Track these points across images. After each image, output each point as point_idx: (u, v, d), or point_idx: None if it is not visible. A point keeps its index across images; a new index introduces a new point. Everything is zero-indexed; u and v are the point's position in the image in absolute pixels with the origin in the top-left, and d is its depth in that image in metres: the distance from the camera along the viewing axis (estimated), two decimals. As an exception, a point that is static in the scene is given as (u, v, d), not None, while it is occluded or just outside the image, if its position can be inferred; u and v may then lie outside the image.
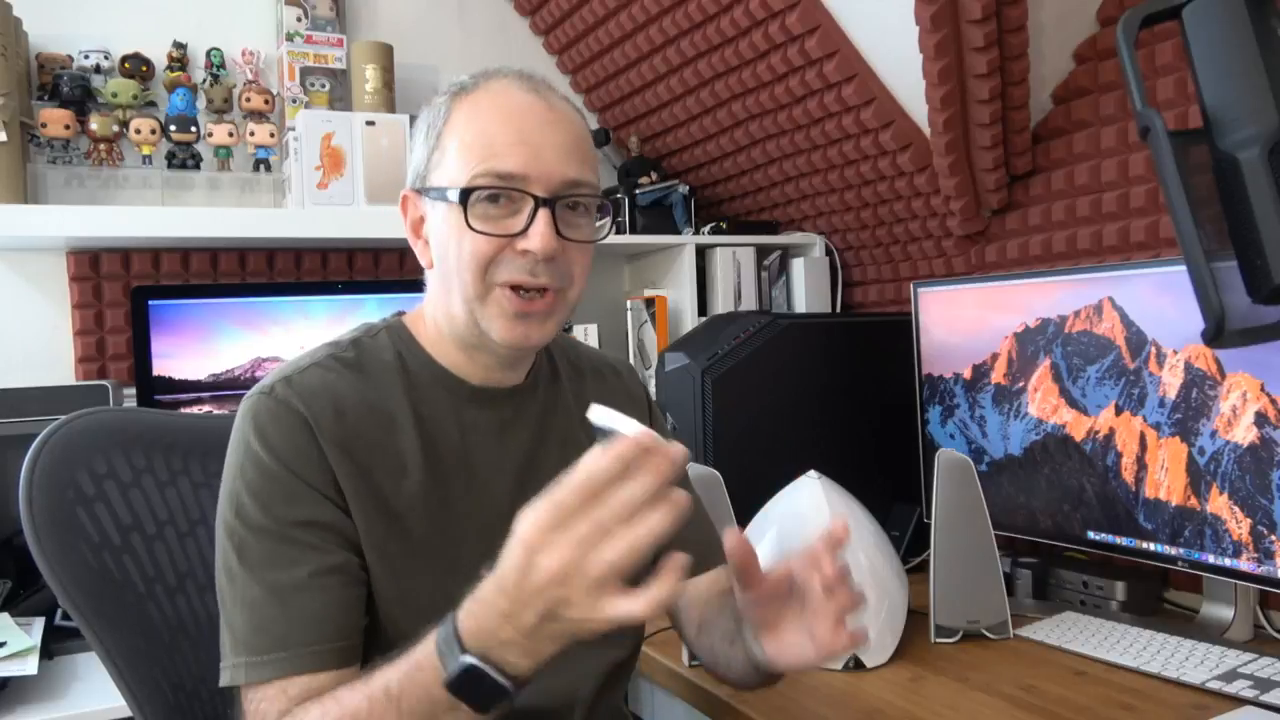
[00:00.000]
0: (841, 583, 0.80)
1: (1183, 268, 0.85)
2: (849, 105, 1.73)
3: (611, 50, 2.12)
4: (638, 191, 2.13)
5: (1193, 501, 1.29)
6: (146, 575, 0.97)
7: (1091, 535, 1.42)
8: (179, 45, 1.92)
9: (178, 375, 1.73)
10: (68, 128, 1.77)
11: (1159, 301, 1.32)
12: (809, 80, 1.75)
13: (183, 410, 1.69)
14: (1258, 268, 0.80)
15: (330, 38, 1.99)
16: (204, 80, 1.94)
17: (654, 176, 2.18)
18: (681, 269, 2.13)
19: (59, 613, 1.41)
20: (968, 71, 1.48)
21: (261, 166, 1.95)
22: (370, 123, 1.86)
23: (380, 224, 1.82)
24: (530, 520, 0.65)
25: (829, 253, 2.19)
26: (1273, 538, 1.20)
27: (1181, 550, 1.31)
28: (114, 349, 1.85)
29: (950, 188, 1.67)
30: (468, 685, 0.67)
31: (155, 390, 1.71)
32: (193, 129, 1.88)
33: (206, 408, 1.74)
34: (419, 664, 0.69)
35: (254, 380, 0.89)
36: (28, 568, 1.34)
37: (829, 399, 1.72)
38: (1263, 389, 1.21)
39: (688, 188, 2.18)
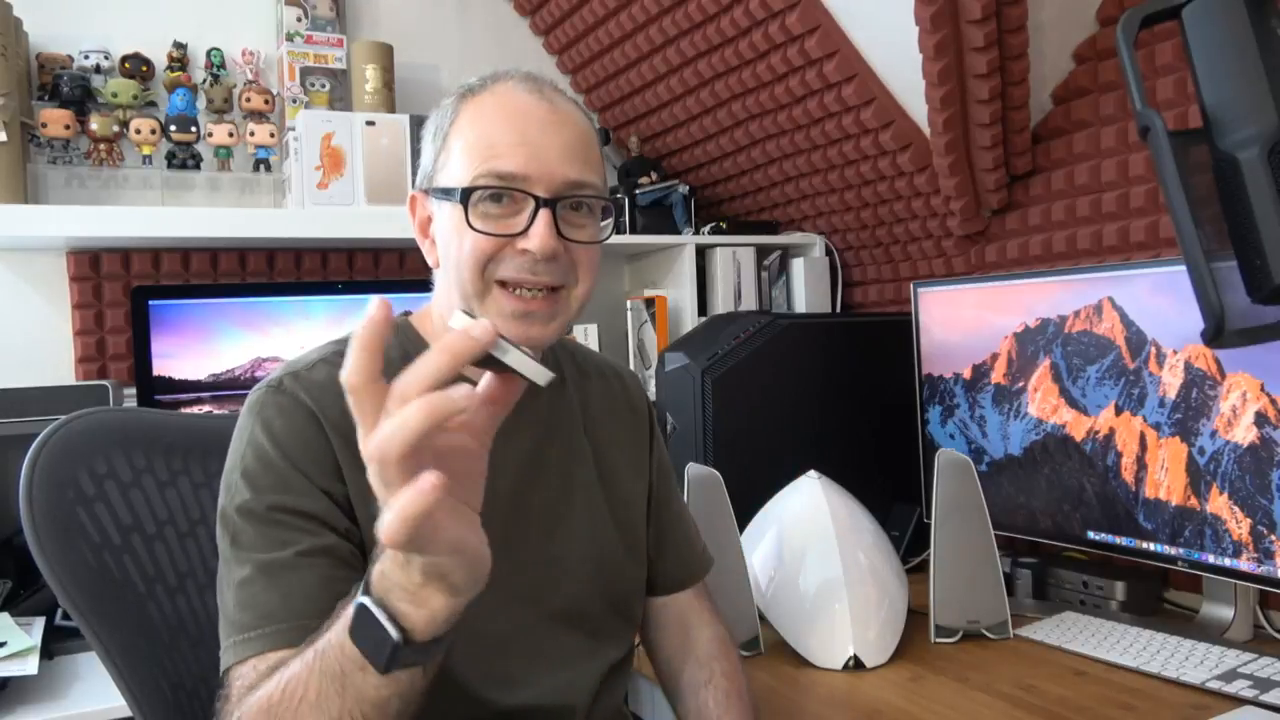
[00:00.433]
0: None
1: (1182, 268, 0.85)
2: (849, 105, 1.73)
3: (611, 50, 2.12)
4: (638, 191, 2.13)
5: (1193, 501, 1.29)
6: (146, 575, 0.97)
7: (1091, 535, 1.42)
8: (179, 45, 1.92)
9: (178, 375, 1.73)
10: (68, 128, 1.77)
11: (1159, 301, 1.32)
12: (809, 80, 1.75)
13: (183, 410, 1.69)
14: (1257, 268, 0.80)
15: (330, 38, 1.99)
16: (204, 80, 1.94)
17: (654, 176, 2.18)
18: (681, 269, 2.13)
19: (59, 613, 1.41)
20: (968, 71, 1.48)
21: (261, 166, 1.95)
22: (370, 123, 1.86)
23: (380, 224, 1.82)
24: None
25: (829, 253, 2.19)
26: (1272, 538, 1.20)
27: (1181, 550, 1.31)
28: (114, 349, 1.85)
29: (950, 188, 1.67)
30: (360, 630, 0.64)
31: (155, 390, 1.71)
32: (193, 129, 1.88)
33: (206, 408, 1.74)
34: (341, 616, 0.67)
35: (254, 380, 0.90)
36: (28, 568, 1.34)
37: (829, 399, 1.72)
38: (1263, 389, 1.21)
39: (688, 188, 2.18)
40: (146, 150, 1.86)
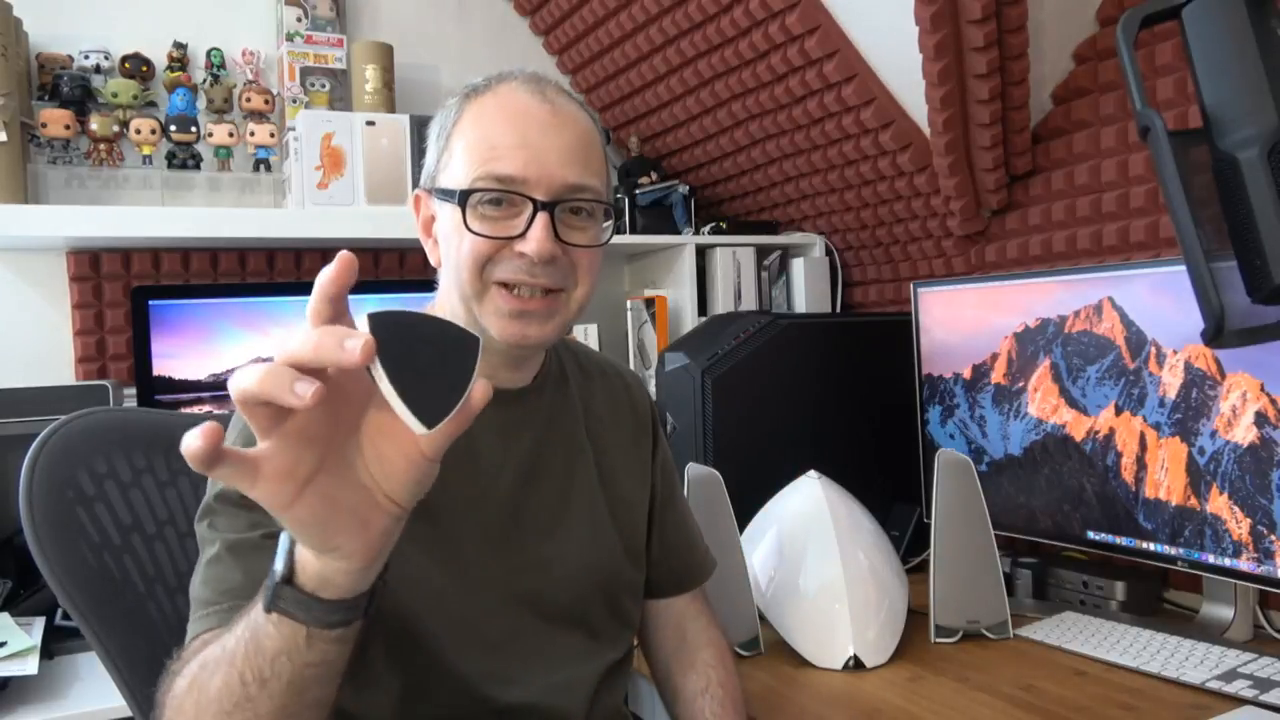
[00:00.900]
0: None
1: (1182, 268, 0.85)
2: (849, 105, 1.73)
3: (611, 50, 2.12)
4: (638, 191, 2.13)
5: (1193, 501, 1.29)
6: (146, 575, 0.97)
7: (1091, 535, 1.42)
8: (179, 45, 1.92)
9: (178, 375, 1.73)
10: (68, 128, 1.77)
11: (1159, 301, 1.32)
12: (809, 80, 1.75)
13: (183, 410, 1.69)
14: (1257, 268, 0.80)
15: (330, 38, 1.99)
16: (204, 80, 1.94)
17: (654, 176, 2.18)
18: (681, 269, 2.13)
19: (59, 613, 1.41)
20: (968, 71, 1.48)
21: (261, 166, 1.95)
22: (370, 123, 1.86)
23: (380, 224, 1.82)
24: None
25: (829, 253, 2.19)
26: (1272, 538, 1.20)
27: (1181, 550, 1.31)
28: (114, 349, 1.85)
29: (950, 188, 1.67)
30: (270, 570, 0.61)
31: (155, 390, 1.71)
32: (193, 129, 1.88)
33: (206, 408, 1.74)
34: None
35: (254, 380, 0.90)
36: (28, 568, 1.34)
37: (829, 399, 1.72)
38: (1263, 389, 1.21)
39: (688, 188, 2.18)
40: (146, 150, 1.86)
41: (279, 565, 0.60)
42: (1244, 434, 1.23)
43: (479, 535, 0.88)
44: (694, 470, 1.33)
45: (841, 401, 1.73)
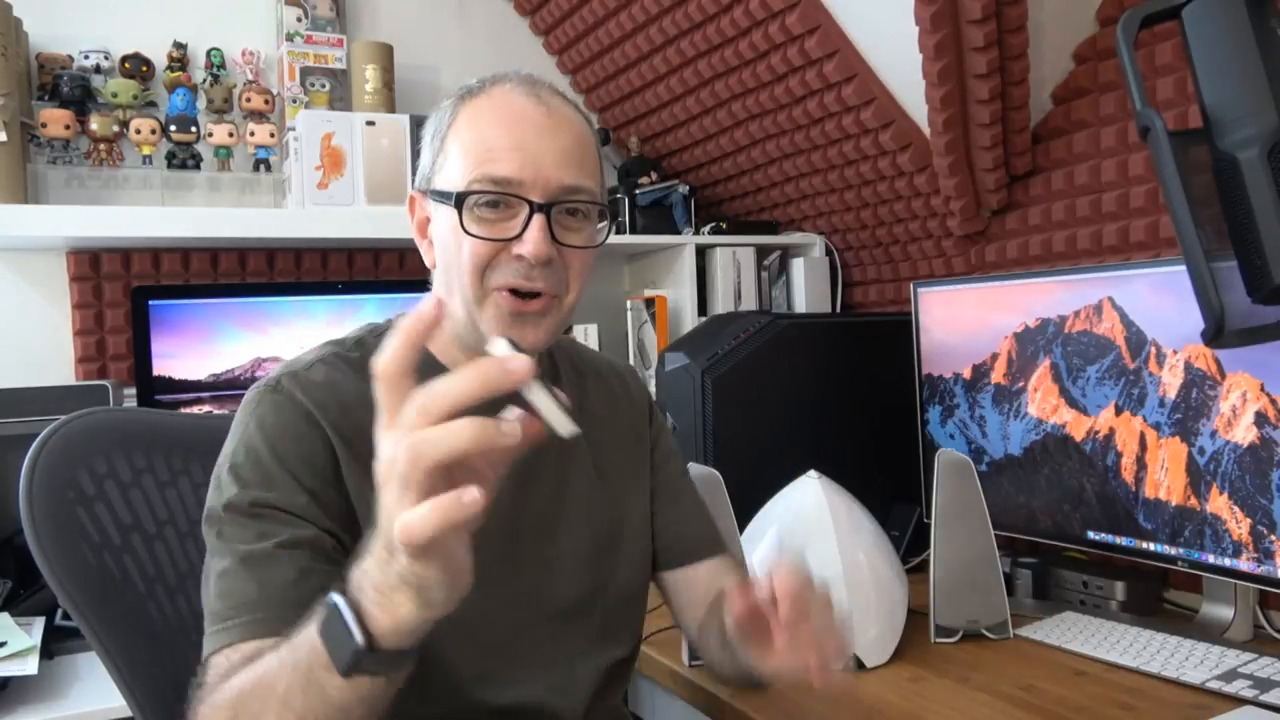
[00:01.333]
0: (804, 611, 0.77)
1: (1183, 268, 0.85)
2: (849, 105, 1.73)
3: (611, 50, 2.12)
4: (638, 191, 2.13)
5: (1193, 501, 1.29)
6: (146, 575, 0.97)
7: (1091, 535, 1.42)
8: (179, 45, 1.92)
9: (178, 375, 1.73)
10: (68, 128, 1.77)
11: (1159, 301, 1.32)
12: (809, 80, 1.75)
13: (183, 410, 1.69)
14: (1257, 268, 0.81)
15: (330, 38, 1.99)
16: (204, 80, 1.94)
17: (654, 176, 2.18)
18: (681, 269, 2.13)
19: (59, 613, 1.41)
20: (968, 71, 1.48)
21: (261, 166, 1.95)
22: (370, 123, 1.86)
23: (380, 224, 1.82)
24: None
25: (829, 253, 2.19)
26: (1272, 538, 1.20)
27: (1181, 550, 1.31)
28: (114, 349, 1.85)
29: (950, 188, 1.67)
30: (328, 628, 0.63)
31: (155, 390, 1.71)
32: (193, 129, 1.88)
33: (206, 408, 1.74)
34: (318, 611, 0.66)
35: (254, 380, 0.90)
36: (28, 568, 1.34)
37: (829, 399, 1.72)
38: (1263, 389, 1.21)
39: (688, 188, 2.18)
40: (146, 150, 1.85)
41: (358, 637, 0.61)
42: (1244, 434, 1.22)
43: (478, 537, 0.88)
44: (694, 470, 1.32)
45: (841, 402, 1.73)
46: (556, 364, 1.02)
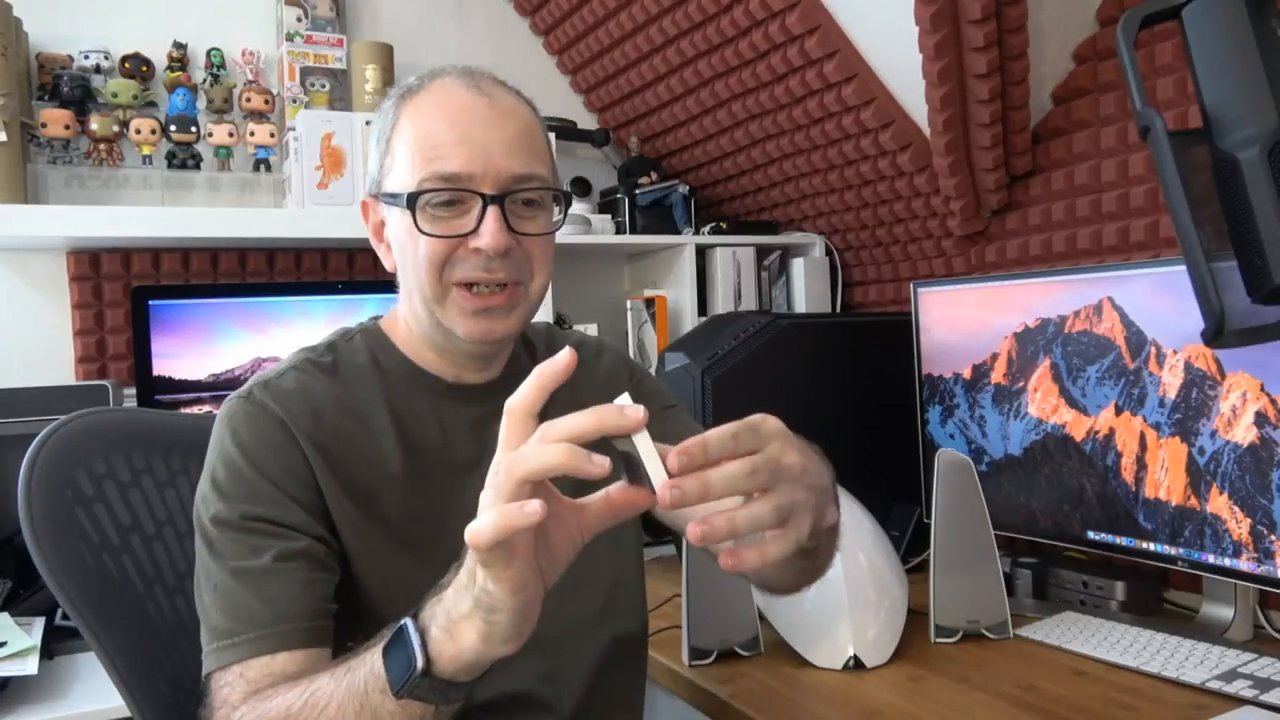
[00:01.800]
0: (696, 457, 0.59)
1: (1183, 268, 0.85)
2: (849, 105, 1.73)
3: (611, 50, 2.12)
4: (638, 191, 2.13)
5: (1193, 501, 1.29)
6: (146, 575, 0.96)
7: (1091, 535, 1.42)
8: (179, 45, 1.92)
9: (178, 375, 1.73)
10: (68, 128, 1.77)
11: (1159, 301, 1.32)
12: (809, 80, 1.75)
13: (183, 410, 1.69)
14: (1257, 267, 0.80)
15: (330, 38, 1.99)
16: (204, 80, 1.94)
17: (654, 176, 2.18)
18: (681, 269, 2.13)
19: (59, 613, 1.41)
20: (968, 71, 1.48)
21: (261, 166, 1.95)
22: (370, 123, 1.85)
23: (380, 224, 1.82)
24: None
25: (829, 253, 2.19)
26: (1272, 538, 1.20)
27: (1181, 550, 1.30)
28: (114, 349, 1.85)
29: (950, 188, 1.67)
30: (392, 649, 0.65)
31: (155, 390, 1.71)
32: (193, 129, 1.88)
33: (206, 408, 1.74)
34: (380, 635, 0.69)
35: (252, 381, 0.91)
36: (28, 568, 1.34)
37: (829, 399, 1.71)
38: (1263, 389, 1.21)
39: (688, 188, 2.18)
40: (146, 150, 1.85)
41: (419, 660, 0.63)
42: (1244, 434, 1.22)
43: (461, 531, 0.88)
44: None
45: (841, 401, 1.73)
46: (534, 352, 1.01)
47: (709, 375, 1.59)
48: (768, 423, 0.63)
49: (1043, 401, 1.48)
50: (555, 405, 0.94)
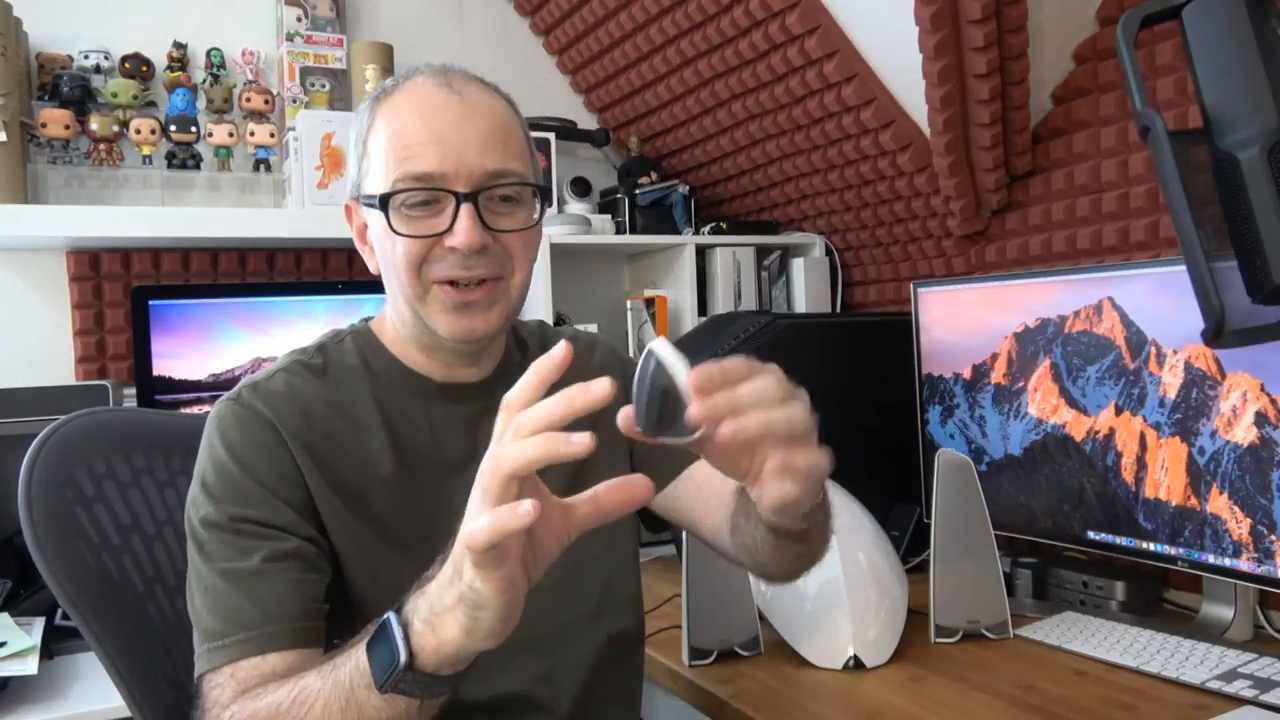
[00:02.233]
0: (716, 382, 0.63)
1: (1183, 268, 0.85)
2: (849, 105, 1.73)
3: (611, 50, 2.12)
4: (638, 191, 2.13)
5: (1193, 501, 1.29)
6: (146, 575, 0.97)
7: (1091, 535, 1.42)
8: (179, 45, 1.92)
9: (178, 375, 1.73)
10: (68, 128, 1.77)
11: (1159, 301, 1.32)
12: (809, 80, 1.75)
13: (183, 410, 1.69)
14: (1257, 267, 0.80)
15: (330, 38, 1.99)
16: (204, 80, 1.94)
17: (654, 176, 2.18)
18: (681, 269, 2.13)
19: (59, 613, 1.41)
20: (968, 71, 1.48)
21: (261, 166, 1.95)
22: (370, 123, 1.86)
23: (380, 224, 1.82)
24: None
25: (829, 253, 2.19)
26: (1273, 538, 1.20)
27: (1181, 550, 1.30)
28: (114, 349, 1.85)
29: (950, 188, 1.67)
30: (376, 643, 0.66)
31: (155, 390, 1.71)
32: (193, 129, 1.88)
33: (206, 408, 1.73)
34: (366, 629, 0.69)
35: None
36: (28, 568, 1.34)
37: (829, 399, 1.69)
38: (1263, 389, 1.21)
39: (688, 188, 2.18)
40: (146, 150, 1.85)
41: (403, 654, 0.64)
42: (1244, 434, 1.22)
43: (454, 529, 0.88)
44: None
45: (841, 402, 1.72)
46: (526, 349, 1.01)
47: (709, 375, 1.59)
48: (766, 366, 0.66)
49: (1043, 401, 1.48)
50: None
